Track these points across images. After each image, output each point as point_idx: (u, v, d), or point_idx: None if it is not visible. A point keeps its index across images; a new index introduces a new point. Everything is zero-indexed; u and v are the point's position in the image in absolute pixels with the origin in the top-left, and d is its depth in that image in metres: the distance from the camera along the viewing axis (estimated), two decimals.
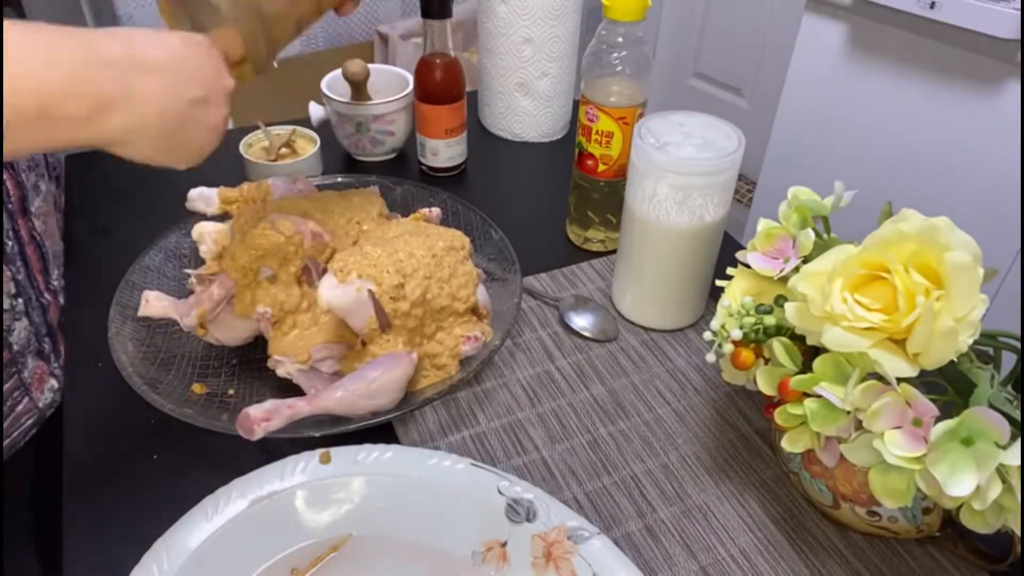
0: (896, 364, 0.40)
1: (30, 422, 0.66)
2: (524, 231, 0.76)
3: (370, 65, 0.89)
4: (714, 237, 0.64)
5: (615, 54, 0.67)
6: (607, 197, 0.74)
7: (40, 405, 0.67)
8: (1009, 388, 0.43)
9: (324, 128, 0.91)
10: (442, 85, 0.82)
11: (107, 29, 0.42)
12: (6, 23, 0.36)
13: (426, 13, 0.79)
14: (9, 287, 0.64)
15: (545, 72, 0.93)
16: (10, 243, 0.65)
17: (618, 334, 0.68)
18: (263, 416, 0.49)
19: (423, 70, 0.82)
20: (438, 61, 0.82)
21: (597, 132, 0.70)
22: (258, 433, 0.49)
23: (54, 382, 0.69)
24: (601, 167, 0.72)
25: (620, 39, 0.67)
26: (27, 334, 0.66)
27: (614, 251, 0.76)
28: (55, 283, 0.70)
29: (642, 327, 0.69)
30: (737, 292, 0.51)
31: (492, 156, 0.97)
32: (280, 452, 0.49)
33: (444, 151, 0.87)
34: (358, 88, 0.88)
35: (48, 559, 0.70)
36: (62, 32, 0.39)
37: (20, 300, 0.65)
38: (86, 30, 0.40)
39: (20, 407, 0.65)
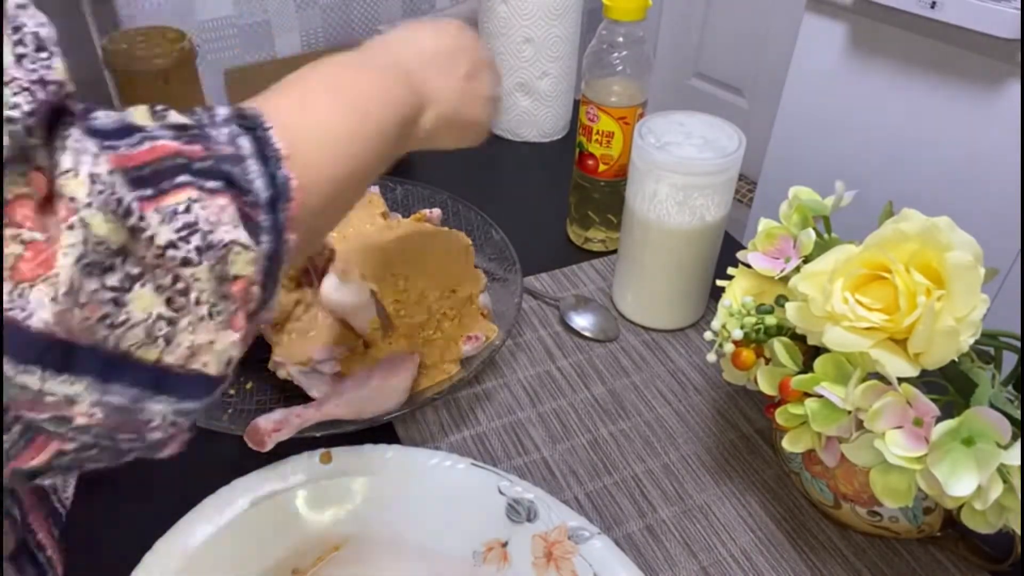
0: (897, 364, 0.40)
1: None
2: (524, 231, 0.76)
3: None
4: (715, 237, 0.64)
5: (616, 54, 0.67)
6: (608, 197, 0.74)
7: None
8: (1010, 388, 0.43)
9: None
10: None
11: (365, 48, 0.44)
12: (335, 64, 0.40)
13: None
14: None
15: (545, 72, 0.93)
16: None
17: (619, 334, 0.68)
18: (273, 427, 0.49)
19: None
20: None
21: (598, 132, 0.70)
22: (269, 445, 0.49)
23: None
24: (602, 167, 0.72)
25: (621, 39, 0.67)
26: None
27: (615, 251, 0.76)
28: None
29: (643, 327, 0.69)
30: (738, 292, 0.51)
31: (492, 156, 0.96)
32: (281, 452, 0.49)
33: None
34: None
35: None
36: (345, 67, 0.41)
37: None
38: (351, 57, 0.42)
39: None
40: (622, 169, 0.72)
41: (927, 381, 0.42)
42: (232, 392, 0.59)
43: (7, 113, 0.22)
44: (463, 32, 0.48)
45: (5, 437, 0.24)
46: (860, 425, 0.41)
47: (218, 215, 0.27)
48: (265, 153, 0.30)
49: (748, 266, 0.51)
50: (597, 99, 0.68)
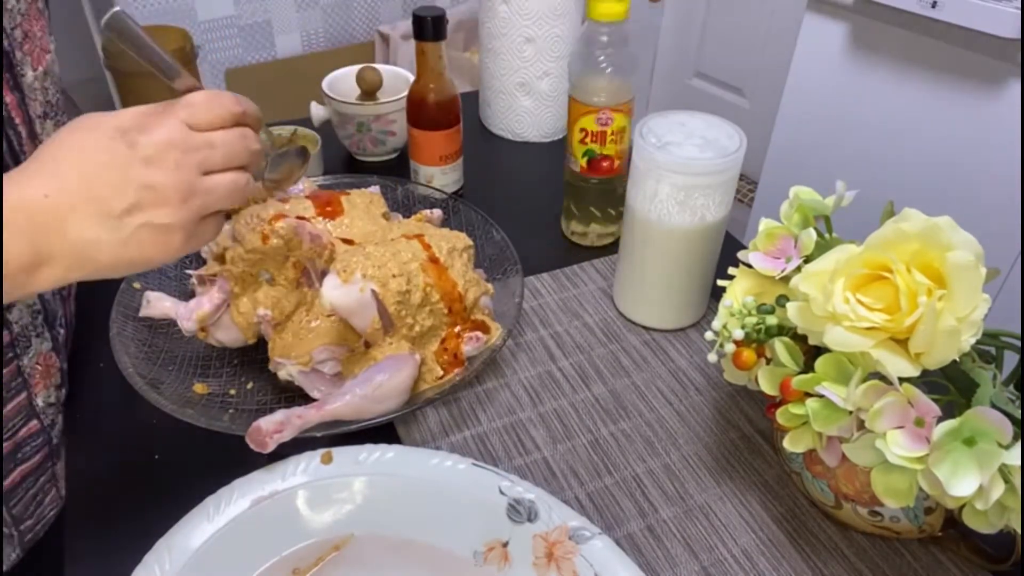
0: (898, 364, 0.40)
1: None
2: (525, 231, 0.76)
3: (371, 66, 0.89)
4: (715, 237, 0.64)
5: (601, 54, 0.67)
6: (604, 194, 0.74)
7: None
8: (1011, 388, 0.43)
9: (325, 128, 0.91)
10: (436, 111, 0.77)
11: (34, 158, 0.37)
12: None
13: (419, 35, 0.73)
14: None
15: (546, 72, 0.93)
16: None
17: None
18: (275, 428, 0.49)
19: (416, 97, 0.77)
20: (432, 86, 0.76)
21: (613, 132, 0.70)
22: (271, 446, 0.49)
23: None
24: (617, 163, 0.72)
25: (604, 38, 0.66)
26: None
27: (616, 251, 0.76)
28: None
29: (643, 327, 0.69)
30: (739, 292, 0.51)
31: (492, 156, 0.97)
32: (282, 452, 0.49)
33: (439, 178, 0.82)
34: (370, 94, 0.88)
35: (49, 559, 0.70)
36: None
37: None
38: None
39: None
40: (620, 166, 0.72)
41: (928, 381, 0.42)
42: (233, 392, 0.59)
43: None
44: (154, 120, 0.37)
45: None
46: (861, 425, 0.41)
47: None
48: None
49: (749, 266, 0.51)
50: (584, 99, 0.68)
